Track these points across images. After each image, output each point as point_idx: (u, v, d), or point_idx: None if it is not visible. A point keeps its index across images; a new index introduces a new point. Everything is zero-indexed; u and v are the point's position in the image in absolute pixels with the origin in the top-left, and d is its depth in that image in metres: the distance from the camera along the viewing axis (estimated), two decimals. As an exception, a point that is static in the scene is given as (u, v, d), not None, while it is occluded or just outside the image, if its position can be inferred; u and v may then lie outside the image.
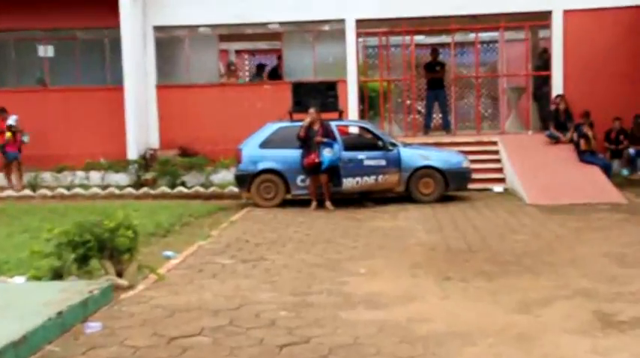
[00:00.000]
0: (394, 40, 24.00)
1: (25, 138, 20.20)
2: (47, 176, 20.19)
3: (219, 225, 14.41)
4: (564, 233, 12.80)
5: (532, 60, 23.09)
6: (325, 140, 16.18)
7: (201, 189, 19.07)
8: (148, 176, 19.99)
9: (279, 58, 23.41)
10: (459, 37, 24.14)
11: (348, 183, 16.59)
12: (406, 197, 16.91)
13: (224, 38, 23.53)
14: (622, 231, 12.82)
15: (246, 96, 21.79)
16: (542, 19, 21.71)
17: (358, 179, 16.63)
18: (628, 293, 8.56)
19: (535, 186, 17.15)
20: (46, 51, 22.52)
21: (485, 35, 23.96)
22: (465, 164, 17.52)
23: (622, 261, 10.37)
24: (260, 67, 24.41)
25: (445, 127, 22.82)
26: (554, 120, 20.28)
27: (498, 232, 13.05)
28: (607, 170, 18.43)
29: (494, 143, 20.35)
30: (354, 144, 17.04)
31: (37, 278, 9.05)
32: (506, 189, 18.54)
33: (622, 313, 7.76)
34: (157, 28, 21.96)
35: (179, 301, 8.61)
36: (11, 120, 20.09)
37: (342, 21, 21.66)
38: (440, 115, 23.29)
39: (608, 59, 20.86)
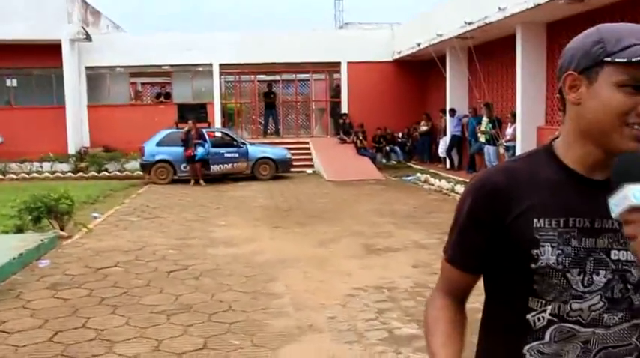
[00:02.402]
0: (244, 77, 23.82)
1: None
2: (14, 165, 18.95)
3: (130, 196, 13.94)
4: (347, 197, 13.14)
5: (330, 91, 23.50)
6: (199, 141, 16.04)
7: (118, 173, 18.35)
8: (82, 165, 19.05)
9: (162, 86, 22.89)
10: (284, 77, 24.23)
11: (215, 168, 16.39)
12: (251, 177, 16.87)
13: (133, 75, 22.58)
14: (380, 196, 13.26)
15: (147, 113, 21.10)
16: (335, 66, 22.13)
17: (221, 165, 16.46)
18: (382, 233, 8.96)
19: (331, 169, 17.44)
20: (11, 82, 21.23)
21: (301, 76, 24.15)
22: (289, 156, 17.62)
23: (380, 213, 10.78)
24: (159, 95, 23.52)
25: (276, 133, 22.89)
26: (342, 129, 20.76)
27: (308, 197, 13.28)
28: (373, 159, 19.02)
29: (307, 143, 20.56)
30: (218, 143, 16.78)
31: (6, 232, 8.64)
32: (314, 171, 18.79)
33: (379, 244, 8.14)
34: (88, 68, 20.89)
35: (102, 245, 8.36)
36: None
37: (210, 64, 21.31)
38: (273, 125, 23.33)
39: (374, 92, 21.45)
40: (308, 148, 20.11)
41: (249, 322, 5.18)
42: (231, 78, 23.87)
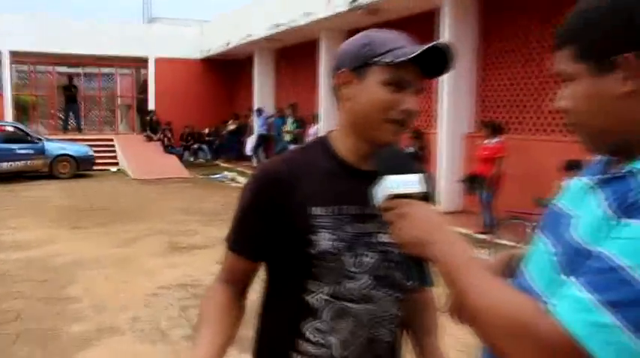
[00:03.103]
0: (41, 67, 22.04)
1: None
2: None
3: None
4: (154, 196, 12.80)
5: (136, 87, 22.69)
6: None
7: None
8: None
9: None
10: (88, 69, 22.87)
11: (4, 165, 14.93)
12: (50, 175, 15.63)
13: None
14: (187, 194, 13.07)
15: None
16: (142, 62, 21.41)
17: (12, 163, 15.02)
18: (187, 231, 8.88)
19: (137, 167, 16.86)
20: None
21: (106, 69, 22.95)
22: (91, 153, 16.63)
23: (186, 211, 10.65)
24: None
25: (78, 129, 21.51)
26: (149, 126, 20.14)
27: (111, 196, 12.69)
28: (180, 158, 18.73)
29: (112, 139, 19.63)
30: (9, 138, 15.37)
31: None
32: (118, 169, 17.97)
33: (183, 242, 8.06)
34: None
35: None
36: None
37: (-1, 52, 19.47)
38: (74, 121, 21.88)
39: (182, 90, 21.17)
40: (112, 145, 19.21)
41: (41, 330, 4.84)
42: (25, 67, 21.94)
